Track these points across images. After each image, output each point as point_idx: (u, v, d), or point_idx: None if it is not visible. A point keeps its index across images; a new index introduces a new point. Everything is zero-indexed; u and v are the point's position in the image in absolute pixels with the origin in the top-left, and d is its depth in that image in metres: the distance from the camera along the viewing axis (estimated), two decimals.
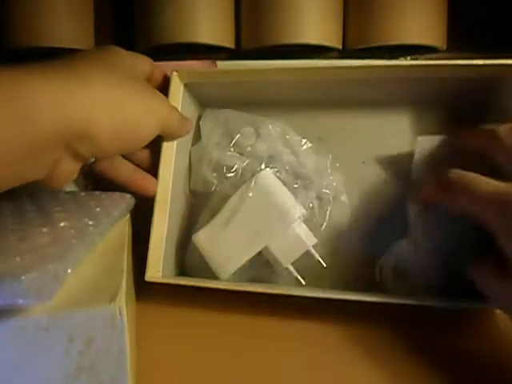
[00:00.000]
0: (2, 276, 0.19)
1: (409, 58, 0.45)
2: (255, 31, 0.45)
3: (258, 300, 0.34)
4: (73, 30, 0.45)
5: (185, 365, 0.32)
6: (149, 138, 0.33)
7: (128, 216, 0.37)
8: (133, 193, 0.37)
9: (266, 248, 0.35)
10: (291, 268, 0.35)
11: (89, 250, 0.27)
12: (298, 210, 0.35)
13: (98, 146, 0.29)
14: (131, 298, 0.30)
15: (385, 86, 0.37)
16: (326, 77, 0.37)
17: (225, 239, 0.36)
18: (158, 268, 0.36)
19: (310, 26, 0.43)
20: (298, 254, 0.35)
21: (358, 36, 0.45)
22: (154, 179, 0.37)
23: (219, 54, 0.46)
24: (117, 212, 0.33)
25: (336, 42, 0.45)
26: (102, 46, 0.35)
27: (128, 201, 0.36)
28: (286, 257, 0.35)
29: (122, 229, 0.34)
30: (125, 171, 0.37)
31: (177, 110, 0.37)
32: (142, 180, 0.37)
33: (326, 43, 0.44)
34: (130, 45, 0.47)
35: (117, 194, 0.36)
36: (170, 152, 0.38)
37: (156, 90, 0.34)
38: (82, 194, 0.36)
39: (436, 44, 0.44)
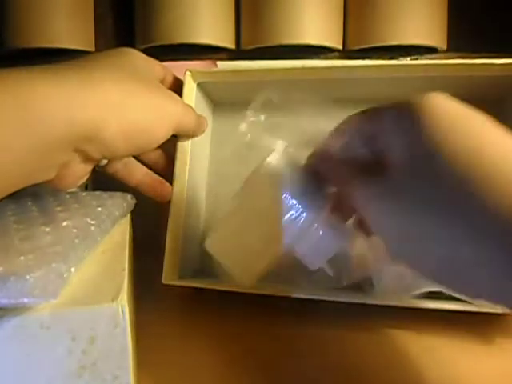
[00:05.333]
0: (7, 275, 0.20)
1: (409, 58, 0.45)
2: (255, 32, 0.45)
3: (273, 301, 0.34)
4: (73, 30, 0.45)
5: (186, 363, 0.32)
6: (161, 139, 0.33)
7: (129, 215, 0.37)
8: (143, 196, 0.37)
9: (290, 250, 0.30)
10: (326, 267, 0.30)
11: (91, 250, 0.27)
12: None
13: (108, 148, 0.29)
14: (132, 296, 0.30)
15: (385, 85, 0.37)
16: (326, 77, 0.37)
17: (241, 243, 0.32)
18: (175, 270, 0.36)
19: (310, 27, 0.43)
20: (329, 255, 0.30)
21: (358, 36, 0.45)
22: (167, 183, 0.37)
23: (219, 54, 0.46)
24: (118, 212, 0.34)
25: (336, 43, 0.45)
26: (115, 48, 0.35)
27: (129, 201, 0.36)
28: (315, 258, 0.30)
29: (123, 228, 0.34)
30: (138, 174, 0.37)
31: (192, 109, 0.37)
32: (154, 184, 0.37)
33: (326, 43, 0.44)
34: (130, 45, 0.47)
35: (118, 193, 0.36)
36: (185, 152, 0.38)
37: (169, 91, 0.34)
38: (84, 193, 0.36)
39: (436, 44, 0.44)
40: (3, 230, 0.27)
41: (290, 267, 0.33)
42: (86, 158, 0.30)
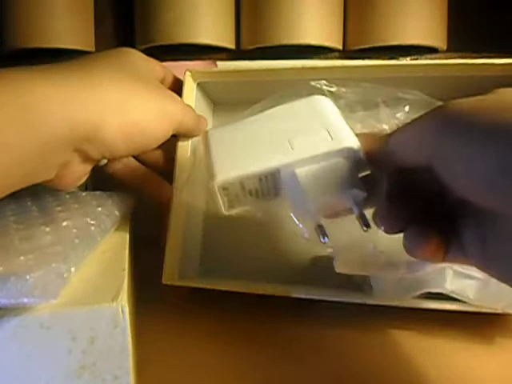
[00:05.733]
0: (7, 275, 0.20)
1: (409, 58, 0.45)
2: (255, 32, 0.45)
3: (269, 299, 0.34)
4: (73, 30, 0.45)
5: (186, 364, 0.32)
6: (161, 138, 0.33)
7: (129, 215, 0.37)
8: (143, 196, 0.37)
9: (291, 175, 0.26)
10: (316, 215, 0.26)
11: (91, 249, 0.27)
12: (353, 142, 0.26)
13: (108, 148, 0.29)
14: (132, 296, 0.30)
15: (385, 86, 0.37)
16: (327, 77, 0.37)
17: (241, 139, 0.28)
18: (175, 270, 0.36)
19: (310, 27, 0.43)
20: (331, 198, 0.25)
21: (358, 36, 0.45)
22: (167, 183, 0.37)
23: (219, 54, 0.46)
24: (118, 212, 0.34)
25: (336, 43, 0.45)
26: (115, 48, 0.35)
27: (129, 200, 0.36)
28: (314, 190, 0.25)
29: (123, 228, 0.34)
30: (137, 175, 0.37)
31: (192, 109, 0.37)
32: (155, 184, 0.37)
33: (326, 43, 0.44)
34: (130, 45, 0.47)
35: (118, 193, 0.36)
36: (184, 152, 0.38)
37: (169, 91, 0.35)
38: (84, 193, 0.36)
39: (436, 44, 0.44)
40: (3, 230, 0.27)
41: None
42: (86, 158, 0.30)
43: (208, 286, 0.35)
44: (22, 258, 0.22)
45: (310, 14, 0.43)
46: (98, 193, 0.36)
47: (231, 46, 0.46)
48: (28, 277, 0.20)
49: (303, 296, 0.33)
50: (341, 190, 0.25)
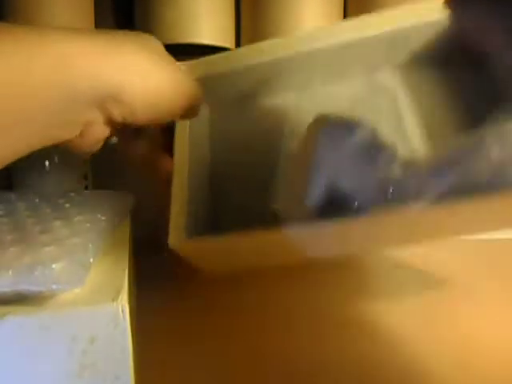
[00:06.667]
0: (34, 265, 0.21)
1: None
2: (255, 32, 0.45)
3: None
4: None
5: (186, 364, 0.32)
6: (177, 110, 0.34)
7: (129, 215, 0.37)
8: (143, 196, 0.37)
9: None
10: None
11: (106, 242, 0.28)
12: None
13: (131, 111, 0.30)
14: (132, 297, 0.30)
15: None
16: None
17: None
18: (181, 233, 0.33)
19: (311, 27, 0.43)
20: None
21: None
22: (170, 158, 0.38)
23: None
24: (122, 209, 0.34)
25: None
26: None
27: (129, 200, 0.36)
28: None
29: (123, 228, 0.34)
30: (143, 151, 0.38)
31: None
32: (159, 160, 0.38)
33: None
34: None
35: (118, 193, 0.36)
36: (184, 125, 0.38)
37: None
38: (87, 193, 0.36)
39: None
40: (20, 224, 0.28)
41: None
42: (108, 119, 0.31)
43: (219, 243, 0.32)
44: (45, 248, 0.23)
45: (310, 14, 0.43)
46: (100, 192, 0.37)
47: (231, 45, 0.46)
48: (54, 266, 0.21)
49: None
50: None
